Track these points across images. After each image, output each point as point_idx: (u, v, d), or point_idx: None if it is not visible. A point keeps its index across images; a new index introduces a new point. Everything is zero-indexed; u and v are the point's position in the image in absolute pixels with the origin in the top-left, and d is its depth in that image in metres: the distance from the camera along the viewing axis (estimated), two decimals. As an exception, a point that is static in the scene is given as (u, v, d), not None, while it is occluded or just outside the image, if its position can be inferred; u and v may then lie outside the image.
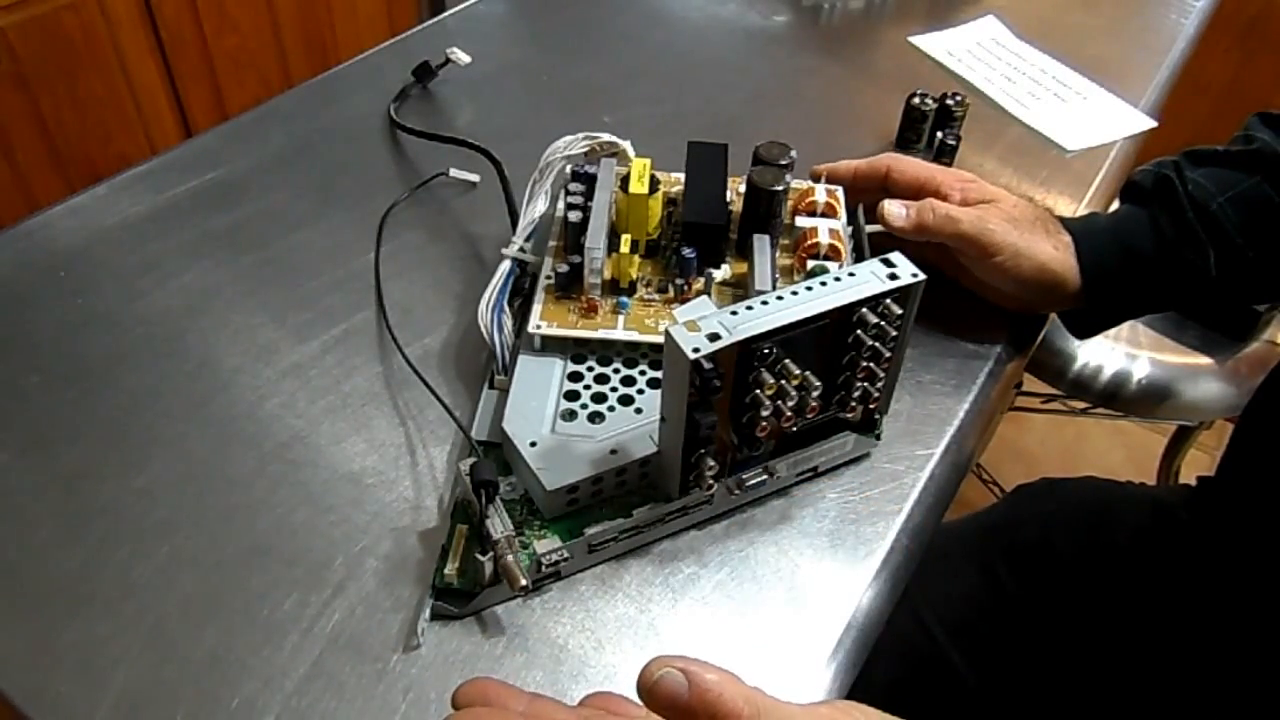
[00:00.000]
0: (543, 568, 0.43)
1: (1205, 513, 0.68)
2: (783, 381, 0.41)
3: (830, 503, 0.49)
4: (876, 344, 0.43)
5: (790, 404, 0.42)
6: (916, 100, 0.73)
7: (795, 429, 0.45)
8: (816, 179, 0.59)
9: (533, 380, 0.49)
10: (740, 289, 0.53)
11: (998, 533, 0.80)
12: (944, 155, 0.72)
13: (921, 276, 0.43)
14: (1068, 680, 0.65)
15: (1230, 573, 0.62)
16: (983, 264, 0.56)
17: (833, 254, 0.52)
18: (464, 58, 0.76)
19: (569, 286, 0.51)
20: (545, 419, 0.47)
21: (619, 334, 0.50)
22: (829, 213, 0.55)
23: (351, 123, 0.74)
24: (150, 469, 0.48)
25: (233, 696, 0.40)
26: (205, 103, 1.49)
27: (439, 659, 0.41)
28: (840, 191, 0.57)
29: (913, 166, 0.59)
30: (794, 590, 0.45)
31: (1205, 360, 1.04)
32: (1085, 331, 0.62)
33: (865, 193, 0.59)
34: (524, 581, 0.41)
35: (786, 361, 0.41)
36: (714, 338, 0.39)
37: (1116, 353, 1.05)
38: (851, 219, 0.57)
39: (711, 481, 0.43)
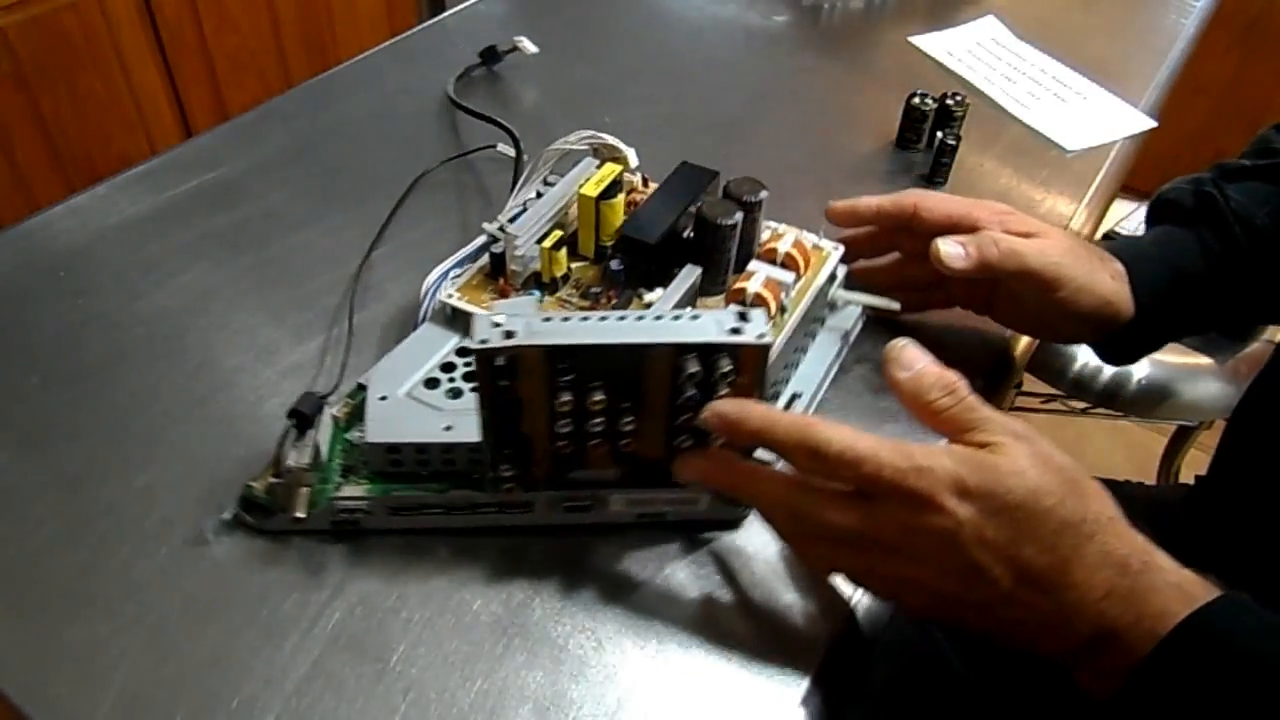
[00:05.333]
0: (337, 512, 0.44)
1: (1202, 511, 0.68)
2: (587, 404, 0.39)
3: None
4: (700, 396, 0.40)
5: (596, 429, 0.40)
6: (916, 100, 0.73)
7: (625, 460, 0.43)
8: (832, 218, 0.56)
9: (422, 345, 0.50)
10: None
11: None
12: (944, 155, 0.72)
13: (766, 341, 0.39)
14: (1066, 679, 0.65)
15: (1228, 571, 0.62)
16: (1043, 298, 0.52)
17: (758, 303, 0.47)
18: (530, 47, 0.78)
19: (500, 270, 0.52)
20: (409, 381, 0.48)
21: None
22: (789, 264, 0.50)
23: (351, 123, 0.74)
24: (150, 469, 0.48)
25: (233, 696, 0.40)
26: (205, 103, 1.50)
27: (438, 659, 0.41)
28: (835, 249, 0.53)
29: (943, 203, 0.54)
30: (793, 588, 0.45)
31: (1205, 360, 1.04)
32: (1125, 358, 0.60)
33: (889, 233, 0.56)
34: (299, 514, 0.43)
35: (595, 385, 0.39)
36: (508, 335, 0.38)
37: (1116, 353, 1.05)
38: (844, 282, 0.55)
39: (510, 485, 0.43)
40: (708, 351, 0.39)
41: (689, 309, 0.41)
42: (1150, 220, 0.61)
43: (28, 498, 0.47)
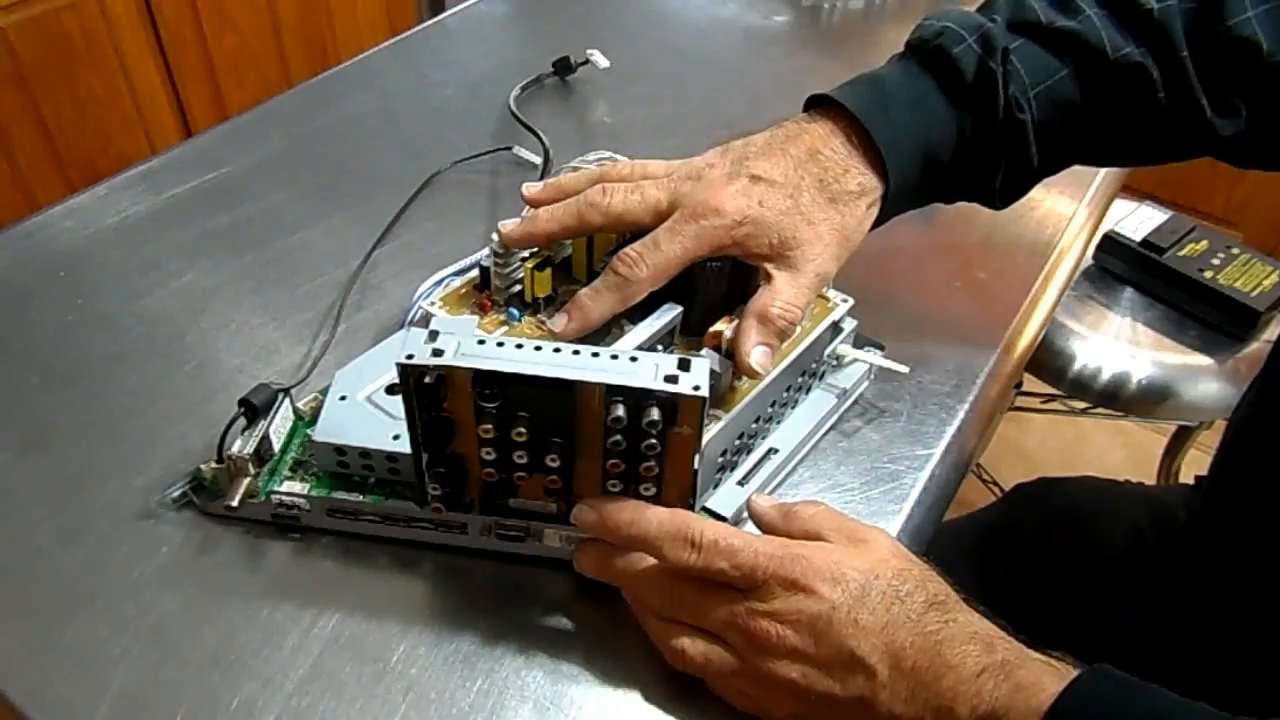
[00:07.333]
0: (275, 505, 0.45)
1: (1201, 512, 0.68)
2: (510, 435, 0.38)
3: (830, 502, 0.49)
4: (621, 441, 0.38)
5: (520, 462, 0.39)
6: (916, 100, 0.73)
7: (562, 495, 0.41)
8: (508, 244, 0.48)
9: (395, 351, 0.48)
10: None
11: (996, 532, 0.80)
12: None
13: (702, 394, 0.36)
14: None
15: (1227, 571, 0.62)
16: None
17: (733, 349, 0.45)
18: (603, 61, 0.77)
19: (489, 283, 0.50)
20: (371, 385, 0.47)
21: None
22: None
23: (351, 123, 0.74)
24: (150, 469, 0.48)
25: (233, 696, 0.40)
26: (205, 103, 1.50)
27: (438, 659, 0.41)
28: (843, 301, 0.50)
29: (655, 256, 0.45)
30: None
31: (1205, 360, 1.04)
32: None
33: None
34: (232, 502, 0.44)
35: (521, 416, 0.38)
36: (437, 354, 0.37)
37: (1117, 353, 1.05)
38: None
39: (438, 505, 0.41)
40: (636, 396, 0.36)
41: (630, 350, 0.39)
42: (917, 54, 0.51)
43: (28, 498, 0.47)
